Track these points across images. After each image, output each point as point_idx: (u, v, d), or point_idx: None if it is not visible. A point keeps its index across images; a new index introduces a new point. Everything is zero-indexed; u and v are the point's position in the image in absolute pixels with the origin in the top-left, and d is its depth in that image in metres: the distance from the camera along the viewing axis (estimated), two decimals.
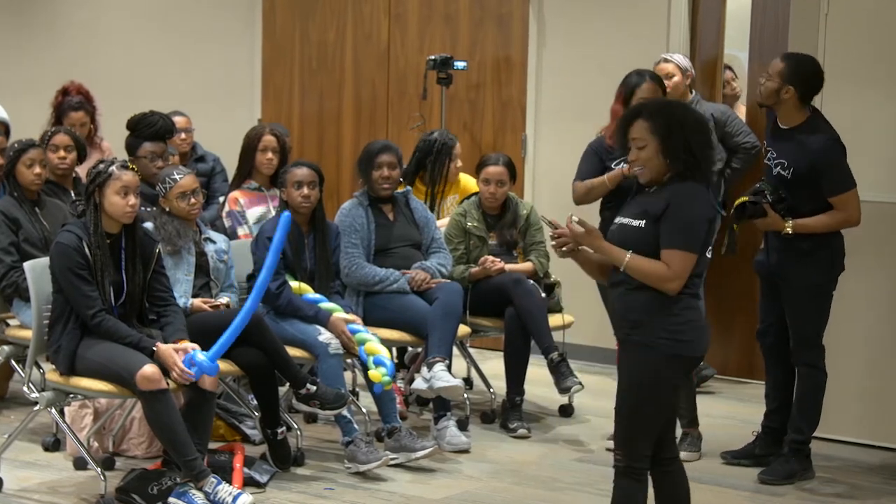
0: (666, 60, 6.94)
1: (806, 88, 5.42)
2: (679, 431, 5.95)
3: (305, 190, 5.88)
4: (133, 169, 5.18)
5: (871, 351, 6.02)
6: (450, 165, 6.85)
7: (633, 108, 4.25)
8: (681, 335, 4.08)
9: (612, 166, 5.81)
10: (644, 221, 4.08)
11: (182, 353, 5.02)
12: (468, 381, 7.06)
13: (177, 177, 5.69)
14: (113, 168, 5.12)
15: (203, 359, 5.00)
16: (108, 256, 5.09)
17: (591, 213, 6.00)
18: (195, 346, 5.07)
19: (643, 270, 4.06)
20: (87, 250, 5.05)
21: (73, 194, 6.43)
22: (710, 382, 7.30)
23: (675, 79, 6.81)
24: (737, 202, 5.50)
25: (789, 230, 5.39)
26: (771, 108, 5.54)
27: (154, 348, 5.01)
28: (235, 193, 6.50)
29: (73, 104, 7.20)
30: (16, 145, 6.01)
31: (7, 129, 6.86)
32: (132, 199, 5.11)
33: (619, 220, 4.20)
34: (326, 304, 5.85)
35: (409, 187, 6.51)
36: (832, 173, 5.36)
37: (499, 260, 6.40)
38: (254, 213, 6.45)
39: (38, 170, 5.99)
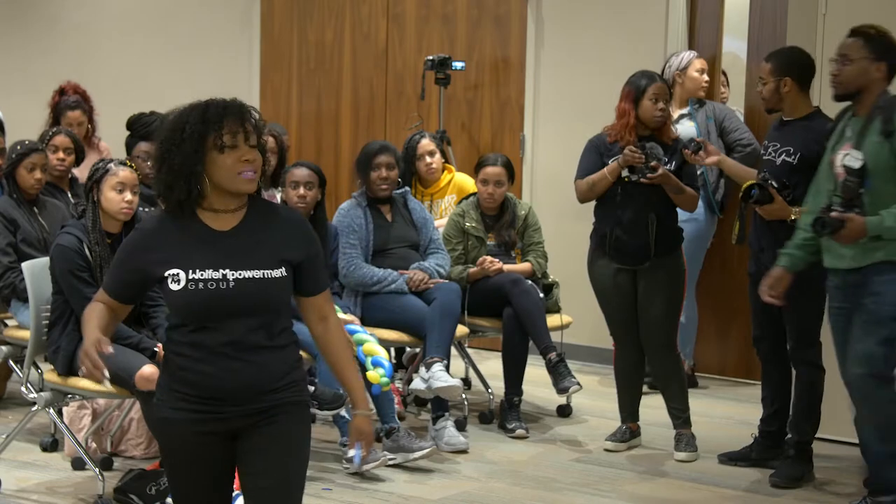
0: (697, 56, 7.09)
1: (802, 74, 5.47)
2: (673, 432, 5.99)
3: (301, 190, 5.88)
4: (132, 167, 5.20)
5: None
6: (417, 164, 6.86)
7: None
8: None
9: (610, 162, 5.79)
10: (284, 269, 3.34)
11: None
12: (466, 382, 7.06)
13: None
14: (111, 165, 5.16)
15: None
16: (109, 254, 5.09)
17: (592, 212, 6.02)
18: None
19: (353, 372, 3.49)
20: (87, 251, 5.06)
21: (69, 195, 6.46)
22: (709, 382, 7.31)
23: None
24: (745, 185, 5.50)
25: (794, 216, 5.38)
26: (778, 110, 5.57)
27: (156, 349, 5.01)
28: None
29: (69, 103, 7.21)
30: (18, 148, 6.00)
31: (2, 128, 6.87)
32: (128, 196, 5.13)
33: (245, 273, 3.30)
34: None
35: (407, 188, 6.51)
36: None
37: (497, 260, 6.39)
38: None
39: (38, 175, 6.00)
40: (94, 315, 3.38)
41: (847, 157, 4.86)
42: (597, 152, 5.84)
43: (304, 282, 3.41)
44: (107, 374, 3.29)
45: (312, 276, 3.42)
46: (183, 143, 3.27)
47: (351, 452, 3.52)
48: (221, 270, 3.28)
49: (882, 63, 4.96)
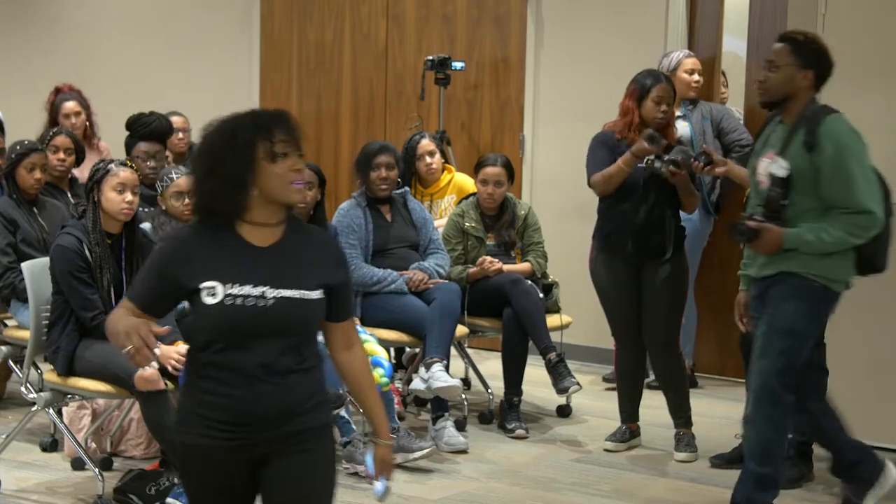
0: (689, 56, 7.04)
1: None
2: (673, 432, 5.99)
3: None
4: (133, 167, 5.20)
5: (871, 351, 6.02)
6: (417, 164, 6.87)
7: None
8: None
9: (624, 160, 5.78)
10: (321, 291, 3.23)
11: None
12: (466, 382, 7.06)
13: (174, 176, 5.71)
14: (111, 165, 5.17)
15: None
16: (109, 254, 5.10)
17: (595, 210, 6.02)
18: None
19: (377, 401, 3.43)
20: (87, 252, 5.06)
21: (69, 195, 6.46)
22: (708, 382, 7.30)
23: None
24: (748, 191, 5.47)
25: None
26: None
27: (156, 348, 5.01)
28: None
29: (66, 97, 7.24)
30: (18, 148, 6.01)
31: (2, 128, 6.88)
32: (129, 196, 5.13)
33: (284, 292, 3.17)
34: None
35: (406, 188, 6.51)
36: None
37: (497, 260, 6.40)
38: None
39: (38, 175, 6.01)
40: (124, 315, 3.24)
41: (773, 166, 4.70)
42: (606, 147, 5.81)
43: (335, 307, 3.28)
44: (158, 352, 3.13)
45: (344, 301, 3.31)
46: (235, 150, 3.13)
47: (377, 484, 3.47)
48: (260, 287, 3.13)
49: (809, 71, 4.72)
